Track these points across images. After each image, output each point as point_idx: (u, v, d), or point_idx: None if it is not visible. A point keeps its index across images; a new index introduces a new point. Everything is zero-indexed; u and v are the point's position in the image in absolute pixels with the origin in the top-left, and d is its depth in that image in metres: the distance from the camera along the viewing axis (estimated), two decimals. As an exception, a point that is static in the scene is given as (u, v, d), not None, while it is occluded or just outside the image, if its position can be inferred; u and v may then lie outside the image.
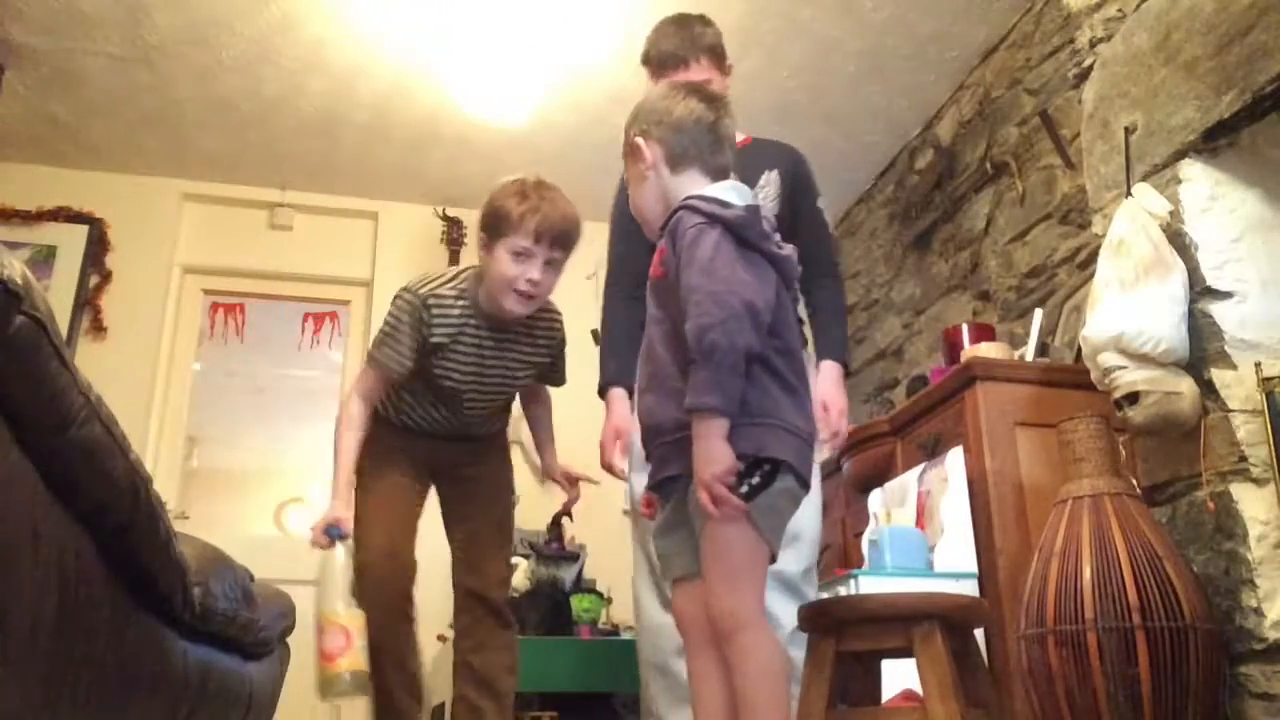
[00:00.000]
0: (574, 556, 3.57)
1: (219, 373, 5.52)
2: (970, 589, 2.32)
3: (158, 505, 1.25)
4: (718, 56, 2.35)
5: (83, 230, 4.22)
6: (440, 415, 2.26)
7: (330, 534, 2.03)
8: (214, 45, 3.60)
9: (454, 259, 4.36)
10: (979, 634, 2.02)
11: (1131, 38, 2.15)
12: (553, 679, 3.16)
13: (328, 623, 1.95)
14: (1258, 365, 1.84)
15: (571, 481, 2.33)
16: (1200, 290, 1.93)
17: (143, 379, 4.15)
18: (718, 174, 1.60)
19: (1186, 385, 1.89)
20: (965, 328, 3.02)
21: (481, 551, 2.28)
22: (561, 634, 3.36)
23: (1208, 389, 1.89)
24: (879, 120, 4.09)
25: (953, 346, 2.98)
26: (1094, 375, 1.98)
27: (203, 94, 3.87)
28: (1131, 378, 1.89)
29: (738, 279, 1.43)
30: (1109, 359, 1.91)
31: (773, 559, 1.49)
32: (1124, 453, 2.04)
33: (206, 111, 3.98)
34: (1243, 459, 1.83)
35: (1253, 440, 1.83)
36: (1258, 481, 1.82)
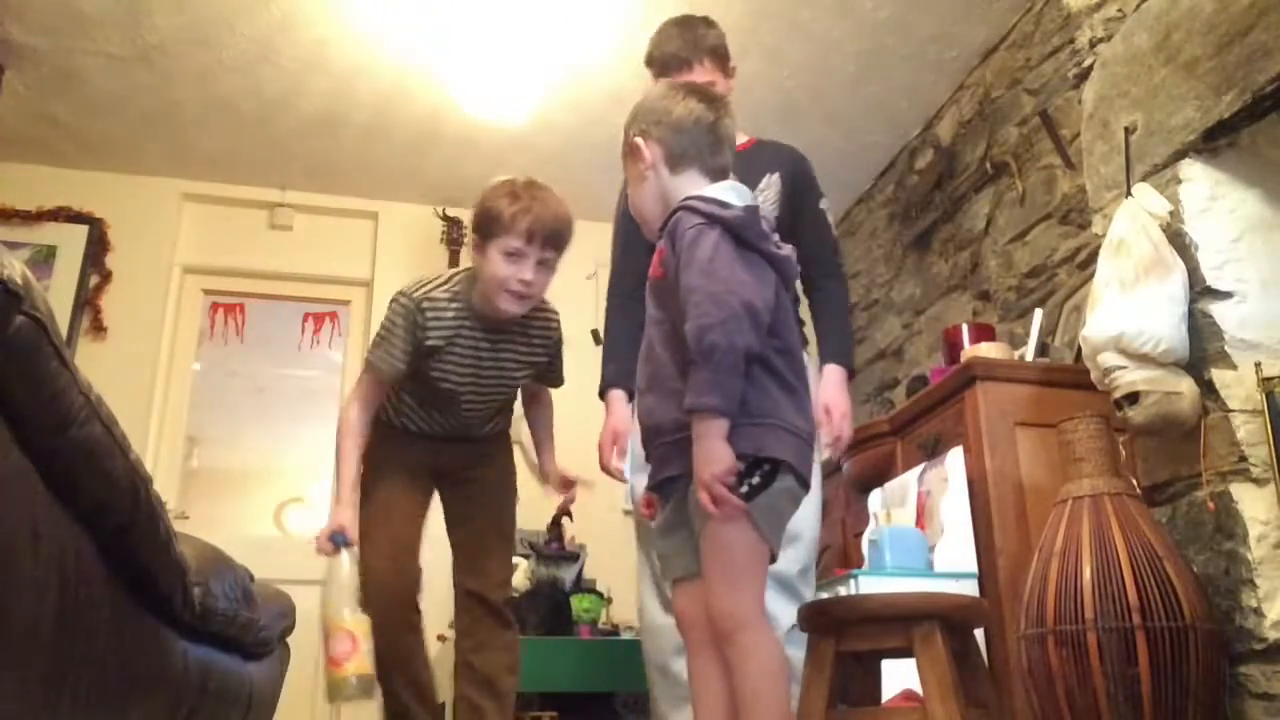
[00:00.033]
0: (574, 556, 3.57)
1: (219, 373, 5.52)
2: (970, 589, 2.32)
3: (158, 505, 1.25)
4: (721, 58, 2.35)
5: (83, 230, 4.22)
6: (440, 417, 2.26)
7: (335, 540, 2.04)
8: (214, 45, 3.60)
9: (454, 259, 4.37)
10: (979, 634, 2.02)
11: (1131, 38, 2.15)
12: (553, 679, 3.16)
13: (334, 628, 1.96)
14: (1258, 365, 1.84)
15: (566, 485, 2.33)
16: (1200, 290, 1.93)
17: (143, 379, 4.15)
18: (717, 174, 1.60)
19: (1186, 385, 1.89)
20: (965, 328, 3.02)
21: (483, 552, 2.28)
22: (561, 634, 3.36)
23: (1208, 389, 1.89)
24: (879, 120, 4.09)
25: (953, 346, 2.98)
26: (1094, 375, 1.98)
27: (203, 94, 3.87)
28: (1131, 378, 1.89)
29: (737, 279, 1.43)
30: (1109, 359, 1.91)
31: (773, 559, 1.49)
32: (1124, 453, 2.04)
33: (206, 111, 3.98)
34: (1243, 459, 1.83)
35: (1253, 440, 1.83)
36: (1258, 481, 1.82)
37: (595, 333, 3.87)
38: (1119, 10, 2.21)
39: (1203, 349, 1.91)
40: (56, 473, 1.01)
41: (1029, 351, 2.83)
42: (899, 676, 1.94)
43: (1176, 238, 1.95)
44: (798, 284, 2.12)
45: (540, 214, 2.07)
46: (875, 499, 2.90)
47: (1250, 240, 1.96)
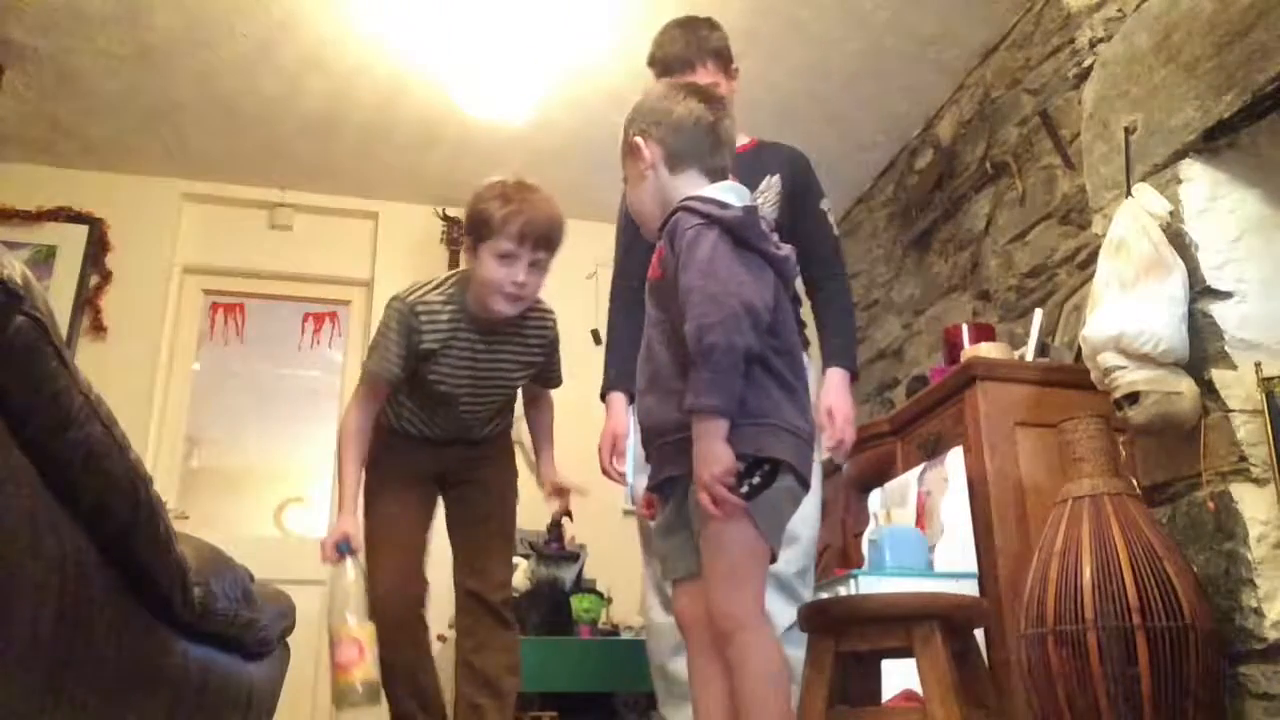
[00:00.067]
0: (574, 556, 3.57)
1: (219, 373, 5.51)
2: (970, 589, 2.32)
3: (158, 505, 1.25)
4: (724, 60, 2.35)
5: (83, 230, 4.22)
6: (439, 420, 2.27)
7: (340, 549, 2.06)
8: (214, 45, 3.60)
9: (454, 259, 4.37)
10: (979, 634, 2.02)
11: (1131, 38, 2.15)
12: (553, 679, 3.16)
13: (340, 635, 1.98)
14: (1258, 365, 1.84)
15: (560, 493, 2.33)
16: (1200, 290, 1.93)
17: (143, 379, 4.15)
18: (716, 175, 1.60)
19: (1186, 385, 1.89)
20: (965, 328, 3.02)
21: (484, 553, 2.28)
22: (561, 634, 3.36)
23: (1208, 389, 1.89)
24: (879, 120, 4.10)
25: (953, 346, 2.98)
26: (1094, 375, 1.98)
27: (203, 94, 3.87)
28: (1131, 378, 1.89)
29: (736, 280, 1.43)
30: (1109, 359, 1.91)
31: (773, 558, 1.49)
32: (1124, 453, 2.04)
33: (206, 111, 3.98)
34: (1243, 459, 1.83)
35: (1253, 440, 1.83)
36: (1258, 481, 1.82)
37: (595, 333, 3.87)
38: (1119, 10, 2.21)
39: (1203, 349, 1.91)
40: (56, 473, 1.01)
41: (1029, 351, 2.83)
42: (899, 676, 1.94)
43: (1176, 238, 1.95)
44: (799, 285, 2.13)
45: (531, 215, 2.07)
46: (875, 499, 2.90)
47: (1250, 240, 1.96)
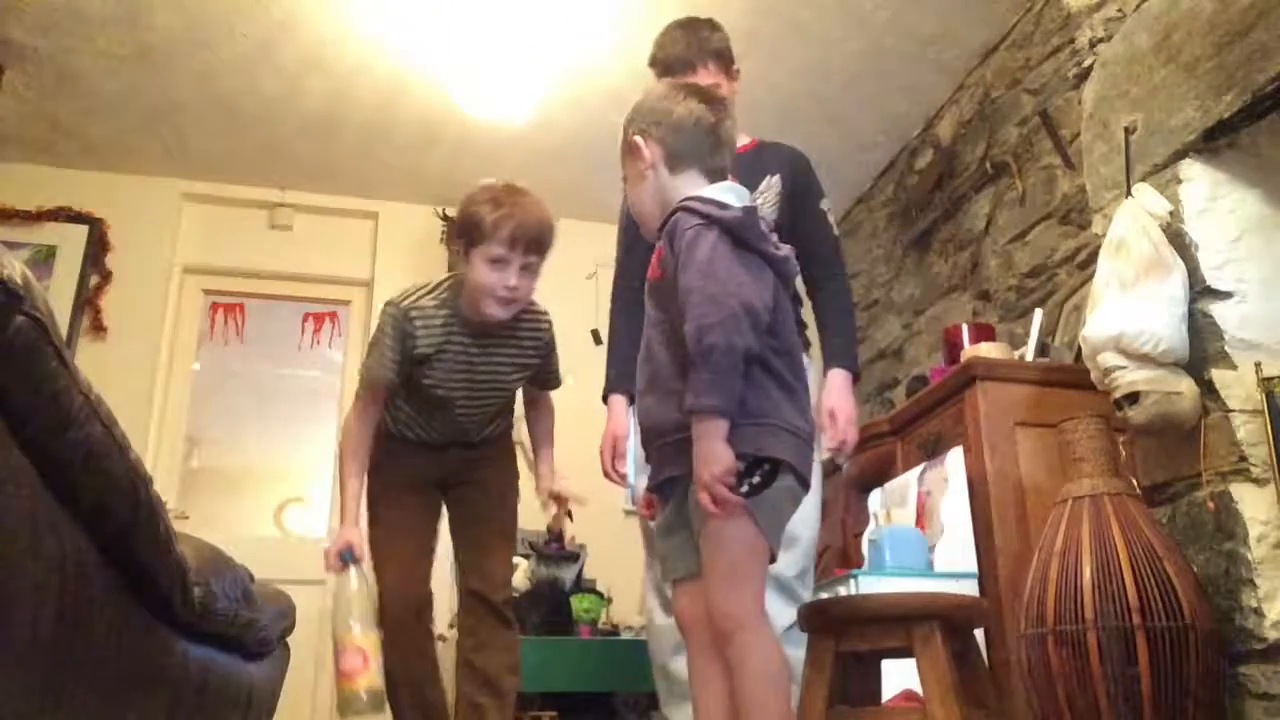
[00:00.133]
0: (574, 556, 3.58)
1: (219, 373, 5.51)
2: (970, 589, 2.31)
3: (158, 505, 1.25)
4: (725, 61, 2.35)
5: (83, 230, 4.22)
6: (437, 424, 2.27)
7: (343, 558, 2.07)
8: (214, 45, 3.60)
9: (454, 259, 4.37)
10: (979, 634, 2.02)
11: (1131, 38, 2.15)
12: (553, 679, 3.16)
13: (344, 644, 1.99)
14: (1258, 365, 1.84)
15: (559, 501, 2.34)
16: (1200, 290, 1.93)
17: (143, 379, 4.15)
18: (715, 175, 1.60)
19: (1186, 385, 1.89)
20: (965, 328, 3.02)
21: (485, 553, 2.29)
22: (561, 634, 3.36)
23: (1208, 389, 1.89)
24: (879, 120, 4.10)
25: (953, 346, 2.98)
26: (1094, 375, 1.98)
27: (203, 94, 3.87)
28: (1131, 378, 1.89)
29: (735, 280, 1.43)
30: (1109, 359, 1.91)
31: (772, 558, 1.49)
32: (1124, 453, 2.04)
33: (206, 111, 3.98)
34: (1243, 459, 1.83)
35: (1253, 440, 1.83)
36: (1258, 481, 1.82)
37: (595, 332, 3.87)
38: (1119, 10, 2.21)
39: (1203, 349, 1.91)
40: (56, 473, 1.01)
41: (1029, 351, 2.83)
42: (899, 676, 1.94)
43: (1176, 238, 1.95)
44: (800, 285, 2.13)
45: (522, 220, 2.08)
46: (875, 499, 2.90)
47: (1250, 240, 1.96)
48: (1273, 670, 1.74)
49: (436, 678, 2.26)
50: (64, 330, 3.31)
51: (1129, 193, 2.05)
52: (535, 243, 2.11)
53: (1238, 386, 1.86)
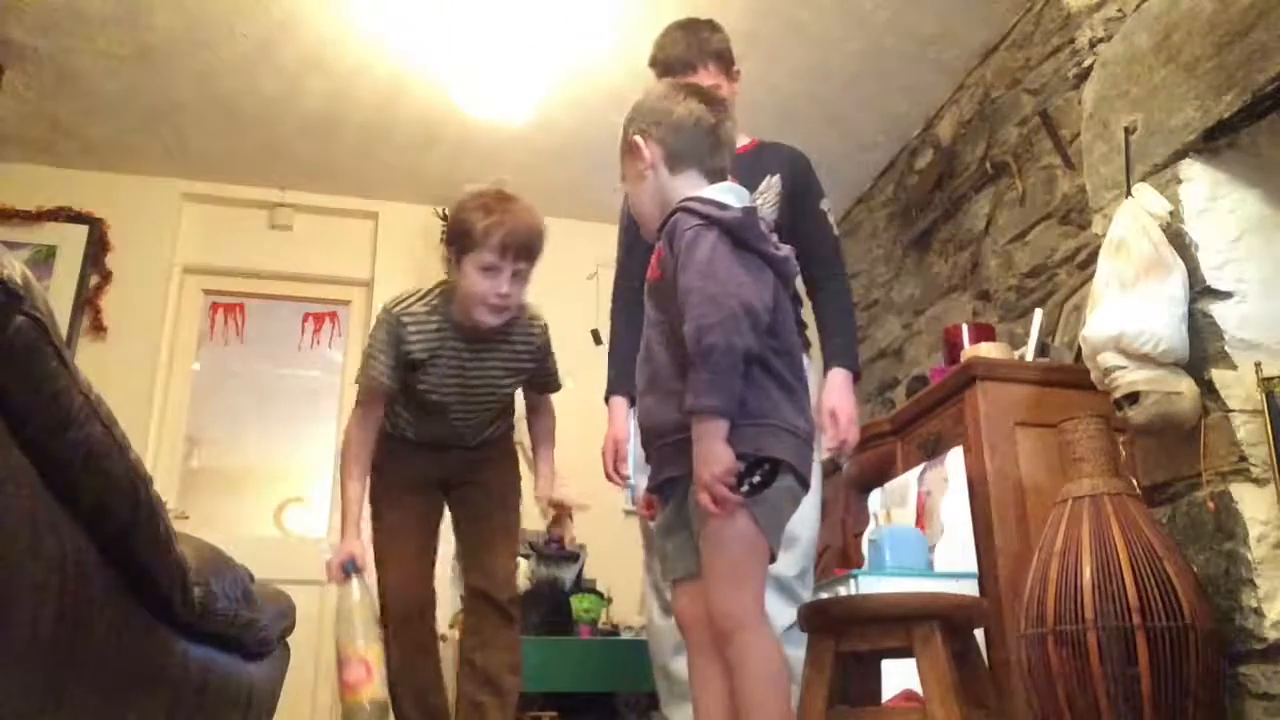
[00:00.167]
0: (574, 556, 3.58)
1: (219, 373, 5.51)
2: (970, 589, 2.31)
3: (158, 505, 1.24)
4: (725, 62, 2.35)
5: (83, 230, 4.22)
6: (432, 427, 2.29)
7: (346, 569, 2.08)
8: (214, 45, 3.60)
9: (454, 259, 4.37)
10: (979, 634, 2.02)
11: (1131, 38, 2.15)
12: (553, 679, 3.16)
13: (347, 655, 2.01)
14: (1258, 365, 1.84)
15: (558, 509, 2.35)
16: (1200, 290, 1.93)
17: (143, 379, 4.15)
18: (715, 176, 1.60)
19: (1186, 385, 1.89)
20: (965, 328, 3.02)
21: (487, 551, 2.30)
22: (561, 634, 3.37)
23: (1208, 389, 1.89)
24: (879, 120, 4.10)
25: (953, 346, 2.98)
26: (1094, 375, 1.98)
27: (203, 94, 3.87)
28: (1131, 378, 1.89)
29: (735, 280, 1.43)
30: (1109, 359, 1.91)
31: (772, 558, 1.49)
32: (1124, 453, 2.04)
33: (206, 111, 3.98)
34: (1243, 459, 1.83)
35: (1253, 440, 1.83)
36: (1258, 481, 1.82)
37: (595, 332, 3.87)
38: (1119, 10, 2.21)
39: (1203, 349, 1.91)
40: (56, 473, 1.01)
41: (1029, 351, 2.83)
42: (899, 676, 1.94)
43: (1176, 238, 1.95)
44: (800, 285, 2.13)
45: (513, 227, 2.09)
46: (875, 499, 2.90)
47: (1250, 240, 1.96)
48: (1273, 670, 1.74)
49: (440, 684, 2.27)
50: (64, 330, 3.31)
51: (1129, 193, 2.05)
52: (526, 249, 2.12)
53: (1238, 386, 1.86)
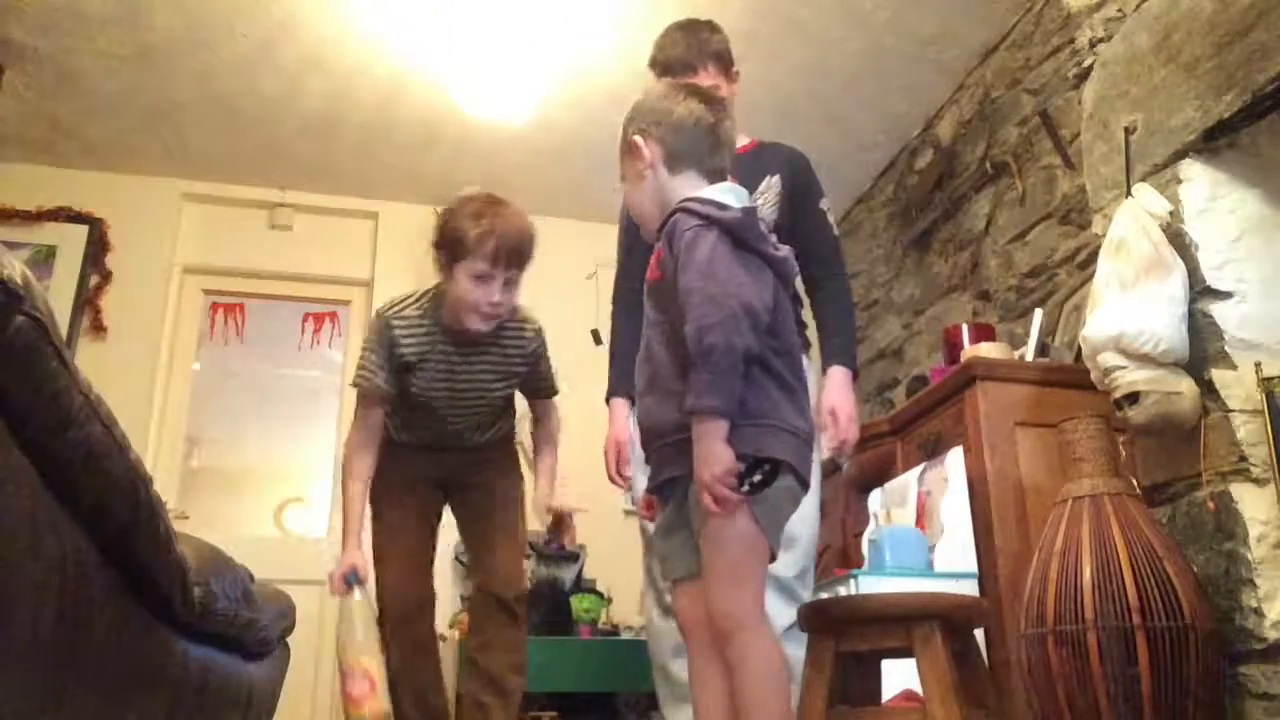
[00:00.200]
0: (574, 556, 3.58)
1: (219, 373, 5.51)
2: (970, 589, 2.31)
3: (158, 505, 1.25)
4: (725, 63, 2.35)
5: (83, 230, 4.22)
6: (426, 430, 2.29)
7: (348, 580, 2.09)
8: (214, 45, 3.60)
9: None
10: (979, 634, 2.02)
11: (1131, 38, 2.15)
12: (553, 679, 3.16)
13: (351, 668, 2.01)
14: (1258, 365, 1.84)
15: (556, 518, 2.35)
16: (1200, 290, 1.93)
17: (143, 379, 4.15)
18: (714, 176, 1.60)
19: (1186, 385, 1.89)
20: (965, 328, 3.02)
21: (489, 549, 2.31)
22: (562, 634, 3.37)
23: (1208, 389, 1.89)
24: (879, 120, 4.10)
25: (953, 346, 2.98)
26: (1094, 375, 1.98)
27: (203, 94, 3.87)
28: (1131, 378, 1.89)
29: (735, 281, 1.43)
30: (1109, 359, 1.91)
31: (772, 558, 1.49)
32: (1124, 453, 2.04)
33: (206, 111, 3.98)
34: (1243, 459, 1.83)
35: (1253, 440, 1.83)
36: (1258, 481, 1.82)
37: (595, 332, 3.87)
38: (1119, 10, 2.21)
39: (1203, 349, 1.91)
40: (56, 473, 1.01)
41: (1029, 351, 2.83)
42: (899, 676, 1.94)
43: (1176, 238, 1.95)
44: (800, 285, 2.13)
45: (504, 235, 2.09)
46: (875, 499, 2.90)
47: (1250, 240, 1.96)
48: (1273, 670, 1.74)
49: (440, 684, 2.27)
50: (64, 330, 3.31)
51: (1129, 193, 2.05)
52: (517, 256, 2.12)
53: (1238, 386, 1.86)
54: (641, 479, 1.82)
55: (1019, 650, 1.97)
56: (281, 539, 6.46)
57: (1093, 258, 2.23)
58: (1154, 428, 1.91)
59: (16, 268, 0.91)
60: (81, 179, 4.29)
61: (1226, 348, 1.89)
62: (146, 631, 1.33)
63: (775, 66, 3.71)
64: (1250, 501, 1.81)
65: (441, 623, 3.14)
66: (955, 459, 2.53)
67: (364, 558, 2.15)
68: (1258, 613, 1.76)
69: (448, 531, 2.44)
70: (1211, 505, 1.86)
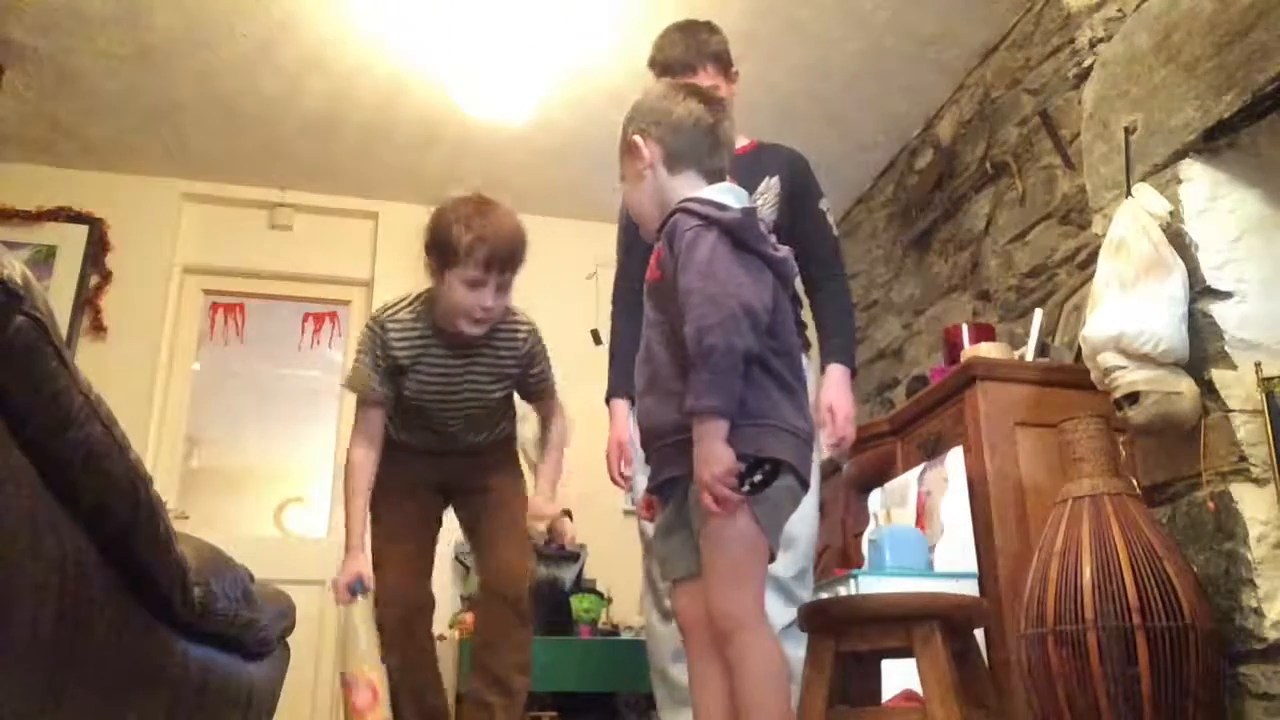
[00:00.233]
0: (574, 556, 3.58)
1: (219, 373, 5.51)
2: (970, 589, 2.31)
3: (158, 505, 1.24)
4: (724, 64, 2.35)
5: (83, 230, 4.22)
6: (421, 432, 2.29)
7: (353, 589, 2.09)
8: (214, 45, 3.60)
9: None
10: (979, 634, 2.02)
11: (1131, 38, 2.15)
12: (553, 679, 3.16)
13: (355, 678, 2.02)
14: (1258, 365, 1.84)
15: (551, 531, 2.35)
16: (1200, 290, 1.93)
17: (143, 379, 4.15)
18: (714, 176, 1.60)
19: (1186, 385, 1.89)
20: (965, 328, 3.02)
21: (492, 549, 2.31)
22: (562, 634, 3.37)
23: (1208, 389, 1.89)
24: (879, 120, 4.10)
25: (953, 346, 2.98)
26: (1094, 375, 1.98)
27: (202, 94, 3.87)
28: (1131, 378, 1.89)
29: (735, 281, 1.43)
30: (1109, 359, 1.91)
31: (772, 558, 1.49)
32: (1124, 453, 2.04)
33: (206, 111, 3.98)
34: (1243, 459, 1.83)
35: (1253, 440, 1.83)
36: (1258, 481, 1.82)
37: (595, 332, 3.87)
38: (1119, 10, 2.21)
39: (1203, 349, 1.91)
40: (56, 473, 1.01)
41: (1029, 351, 2.83)
42: (899, 676, 1.94)
43: (1176, 238, 1.95)
44: (799, 285, 2.13)
45: (496, 240, 2.08)
46: (875, 499, 2.90)
47: (1250, 240, 1.96)
48: (1273, 670, 1.74)
49: (439, 684, 2.27)
50: (64, 330, 3.31)
51: (1129, 193, 2.05)
52: (509, 260, 2.12)
53: (1238, 386, 1.86)
54: (642, 479, 1.82)
55: (1019, 650, 1.97)
56: (281, 539, 6.46)
57: (1093, 258, 2.23)
58: (1154, 428, 1.91)
59: (16, 268, 0.91)
60: (81, 179, 4.29)
61: (1226, 348, 1.89)
62: (146, 631, 1.33)
63: (775, 66, 3.71)
64: (1250, 501, 1.81)
65: (441, 623, 3.14)
66: (955, 459, 2.53)
67: (367, 563, 2.15)
68: (1258, 613, 1.76)
69: (448, 531, 2.44)
70: (1211, 505, 1.86)
